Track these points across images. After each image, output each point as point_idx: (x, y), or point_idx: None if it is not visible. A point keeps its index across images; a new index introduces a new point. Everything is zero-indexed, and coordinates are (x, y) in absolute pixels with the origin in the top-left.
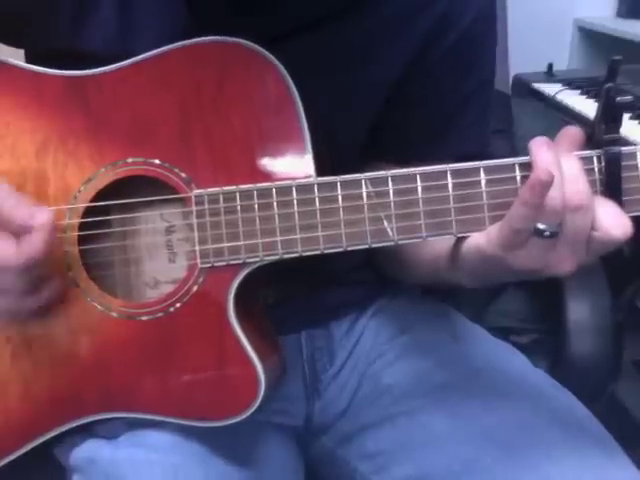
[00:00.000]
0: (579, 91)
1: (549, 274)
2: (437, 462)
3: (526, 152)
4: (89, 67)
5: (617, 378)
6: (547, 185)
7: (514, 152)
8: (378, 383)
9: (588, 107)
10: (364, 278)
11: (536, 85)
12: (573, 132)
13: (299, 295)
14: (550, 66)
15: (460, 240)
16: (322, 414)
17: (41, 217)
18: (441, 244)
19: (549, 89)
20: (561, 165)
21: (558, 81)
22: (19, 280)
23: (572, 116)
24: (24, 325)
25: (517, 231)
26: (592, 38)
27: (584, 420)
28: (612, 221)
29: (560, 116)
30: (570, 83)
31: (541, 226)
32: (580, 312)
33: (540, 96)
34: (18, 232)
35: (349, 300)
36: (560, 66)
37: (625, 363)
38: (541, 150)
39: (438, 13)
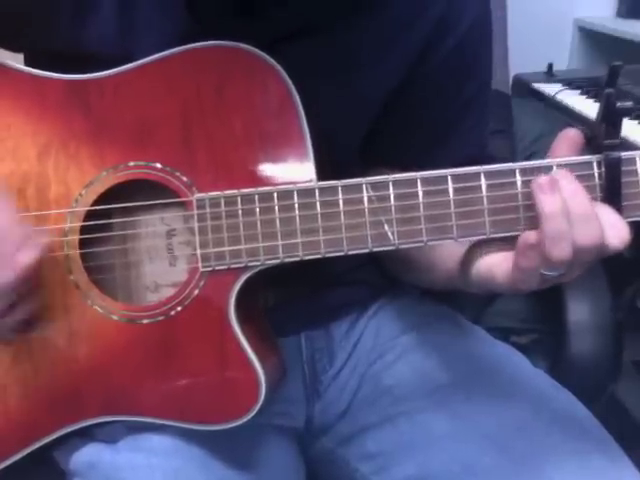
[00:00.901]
0: (579, 91)
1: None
2: (437, 463)
3: (526, 152)
4: (89, 68)
5: (617, 378)
6: (537, 245)
7: (514, 152)
8: (378, 384)
9: (588, 107)
10: (364, 278)
11: (536, 85)
12: (572, 134)
13: (299, 297)
14: (550, 66)
15: (473, 259)
16: (322, 415)
17: (28, 253)
18: (453, 257)
19: (549, 89)
20: (567, 208)
21: (558, 81)
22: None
23: (572, 116)
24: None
25: (524, 289)
26: (592, 38)
27: (584, 421)
28: (611, 231)
29: (560, 116)
30: (570, 83)
31: (547, 273)
32: (580, 312)
33: (540, 96)
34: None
35: (349, 300)
36: (560, 66)
37: (625, 363)
38: (545, 198)
39: (436, 17)
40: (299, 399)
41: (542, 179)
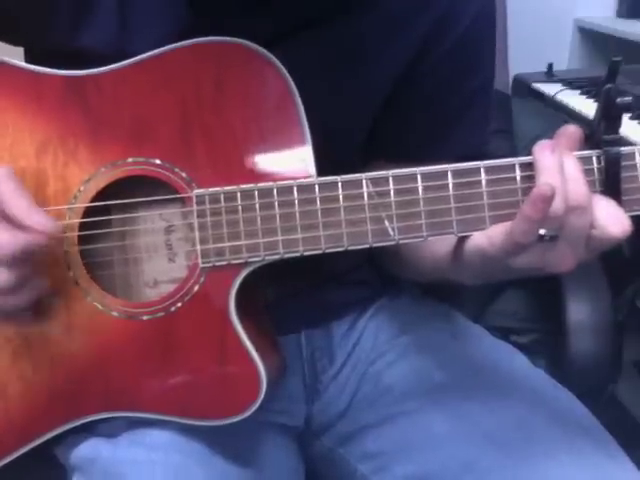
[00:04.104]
0: (579, 91)
1: (549, 272)
2: (437, 462)
3: (526, 152)
4: (88, 66)
5: (617, 378)
6: (549, 200)
7: (514, 152)
8: (378, 383)
9: (588, 107)
10: (365, 278)
11: (536, 85)
12: (571, 131)
13: (299, 294)
14: (550, 66)
15: (462, 240)
16: (322, 414)
17: (44, 220)
18: (443, 243)
19: (549, 89)
20: (563, 167)
21: (558, 81)
22: (6, 275)
23: (572, 116)
24: (24, 324)
25: (520, 244)
26: (592, 38)
27: (584, 420)
28: (610, 219)
29: (560, 116)
30: (570, 83)
31: (541, 232)
32: (580, 312)
33: (540, 96)
34: (19, 226)
35: (349, 300)
36: (560, 66)
37: (625, 363)
38: (544, 154)
39: (437, 14)
40: (299, 398)
41: (544, 141)
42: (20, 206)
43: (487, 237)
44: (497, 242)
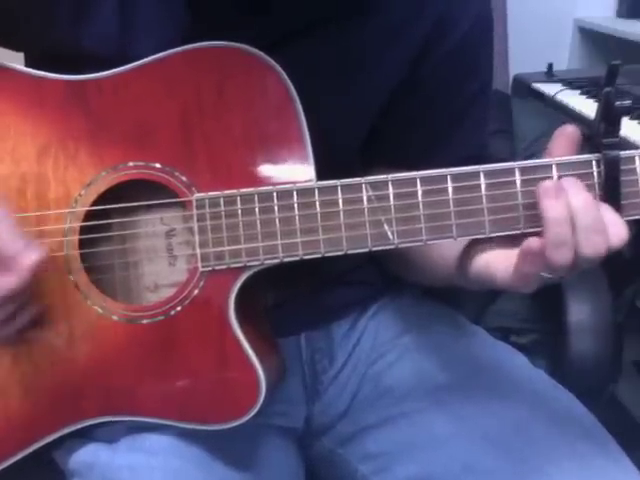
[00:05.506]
0: (579, 91)
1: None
2: (438, 463)
3: (526, 152)
4: (89, 69)
5: (617, 378)
6: (537, 254)
7: (514, 152)
8: (378, 384)
9: (588, 107)
10: (364, 278)
11: (536, 85)
12: (569, 131)
13: (299, 297)
14: (550, 66)
15: (465, 261)
16: (322, 415)
17: (30, 255)
18: (452, 247)
19: (549, 89)
20: (574, 216)
21: (558, 81)
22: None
23: (572, 116)
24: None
25: (526, 281)
26: (592, 38)
27: (584, 420)
28: (610, 230)
29: (560, 116)
30: (570, 83)
31: (548, 275)
32: (580, 312)
33: (540, 96)
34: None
35: (349, 301)
36: (560, 66)
37: (625, 363)
38: (550, 204)
39: (435, 17)
40: (299, 399)
41: (548, 183)
42: (16, 248)
43: (490, 273)
44: (504, 277)
